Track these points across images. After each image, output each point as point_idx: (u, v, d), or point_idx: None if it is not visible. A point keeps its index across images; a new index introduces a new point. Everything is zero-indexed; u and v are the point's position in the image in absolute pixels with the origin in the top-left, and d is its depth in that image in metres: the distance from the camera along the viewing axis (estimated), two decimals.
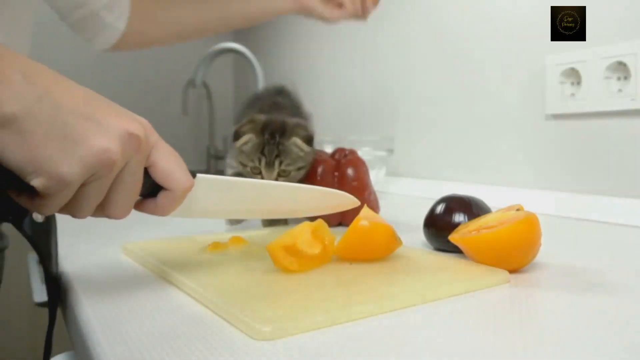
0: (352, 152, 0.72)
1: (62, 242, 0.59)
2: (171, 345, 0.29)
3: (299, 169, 0.66)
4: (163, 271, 0.44)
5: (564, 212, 0.79)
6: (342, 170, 0.69)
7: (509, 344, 0.30)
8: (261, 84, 1.52)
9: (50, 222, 0.42)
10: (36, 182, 0.30)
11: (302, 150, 0.65)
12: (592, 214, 0.75)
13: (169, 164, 0.37)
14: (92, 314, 0.35)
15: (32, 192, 0.32)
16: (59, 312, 0.44)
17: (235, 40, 1.96)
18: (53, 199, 0.32)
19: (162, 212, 0.38)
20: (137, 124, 0.34)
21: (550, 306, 0.37)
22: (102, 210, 0.35)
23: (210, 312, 0.35)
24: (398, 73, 1.20)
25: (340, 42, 1.40)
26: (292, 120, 0.67)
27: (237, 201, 0.44)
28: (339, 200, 0.50)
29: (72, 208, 0.34)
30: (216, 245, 0.52)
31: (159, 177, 0.37)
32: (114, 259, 0.51)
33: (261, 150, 0.64)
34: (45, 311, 0.46)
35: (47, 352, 0.43)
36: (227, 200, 0.44)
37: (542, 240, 0.45)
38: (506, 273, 0.42)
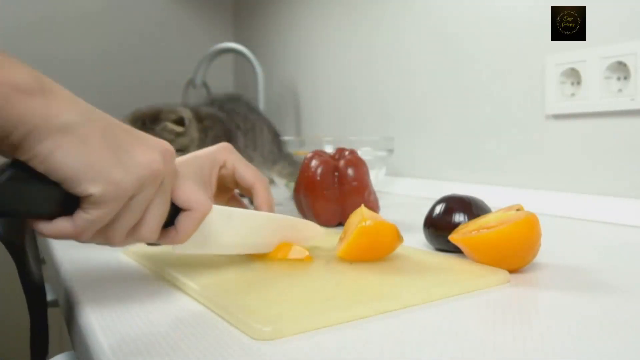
0: (352, 152, 0.72)
1: (63, 242, 0.59)
2: (171, 346, 0.29)
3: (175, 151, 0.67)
4: (163, 271, 0.44)
5: (564, 212, 0.79)
6: (342, 170, 0.69)
7: (509, 344, 0.30)
8: (261, 84, 1.52)
9: (23, 221, 0.41)
10: (95, 189, 0.30)
11: (174, 132, 0.66)
12: (592, 214, 0.75)
13: (191, 186, 0.38)
14: (92, 314, 0.35)
15: (69, 213, 0.32)
16: (59, 313, 0.44)
17: (235, 40, 1.96)
18: (103, 210, 0.31)
19: (182, 236, 0.38)
20: (169, 145, 0.36)
21: (550, 306, 0.37)
22: (135, 231, 0.35)
23: (210, 312, 0.35)
24: (398, 73, 1.20)
25: (340, 42, 1.40)
26: (167, 108, 0.69)
27: (236, 234, 0.45)
28: (311, 231, 0.52)
29: (111, 227, 0.33)
30: None
31: (181, 197, 0.37)
32: (114, 259, 0.51)
33: None
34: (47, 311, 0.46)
35: (38, 355, 0.42)
36: (230, 232, 0.44)
37: (542, 240, 0.45)
38: (506, 273, 0.42)
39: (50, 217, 0.32)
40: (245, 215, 0.45)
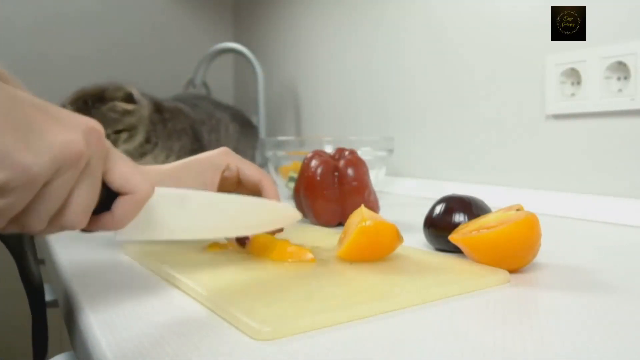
0: (352, 152, 0.72)
1: (62, 242, 0.59)
2: (171, 346, 0.29)
3: (119, 131, 0.65)
4: (163, 271, 0.44)
5: (564, 212, 0.79)
6: (342, 170, 0.69)
7: (509, 344, 0.30)
8: (261, 83, 1.52)
9: None
10: None
11: (123, 110, 0.65)
12: (592, 214, 0.75)
13: (128, 167, 0.35)
14: (92, 314, 0.35)
15: None
16: (59, 313, 0.44)
17: (235, 40, 1.96)
18: (11, 198, 0.28)
19: (119, 222, 0.35)
20: (96, 122, 0.32)
21: (550, 306, 0.37)
22: (58, 218, 0.32)
23: (210, 312, 0.35)
24: (398, 73, 1.20)
25: (340, 42, 1.40)
26: (112, 86, 0.69)
27: (193, 218, 0.42)
28: (285, 212, 0.49)
29: (27, 215, 0.30)
30: (215, 245, 0.52)
31: (117, 181, 0.34)
32: (114, 259, 0.51)
33: None
34: (47, 311, 0.46)
35: (39, 355, 0.42)
36: (182, 217, 0.41)
37: (542, 240, 0.45)
38: (506, 273, 0.42)
39: None
40: (203, 197, 0.43)
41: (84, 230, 0.35)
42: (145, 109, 0.72)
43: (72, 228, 0.33)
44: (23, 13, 1.64)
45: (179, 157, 1.07)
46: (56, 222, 0.32)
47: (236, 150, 0.65)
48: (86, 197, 0.32)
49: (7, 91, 0.28)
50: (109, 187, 0.34)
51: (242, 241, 0.50)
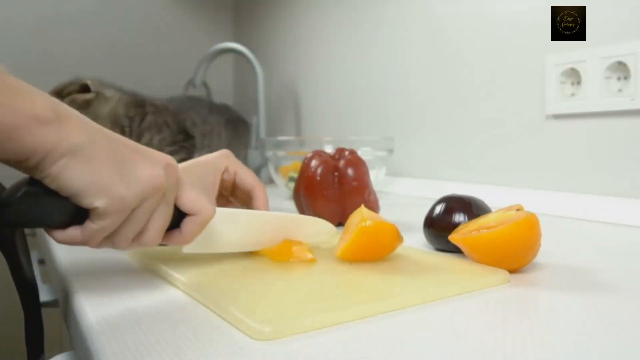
0: (352, 152, 0.72)
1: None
2: (171, 346, 0.29)
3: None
4: (163, 271, 0.44)
5: (564, 212, 0.79)
6: (342, 170, 0.69)
7: (509, 344, 0.30)
8: (261, 83, 1.52)
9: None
10: (99, 202, 0.34)
11: (84, 101, 0.68)
12: (592, 214, 0.75)
13: (194, 193, 0.41)
14: (92, 314, 0.35)
15: (80, 222, 0.35)
16: (58, 313, 0.44)
17: (235, 40, 1.96)
18: (108, 221, 0.35)
19: (186, 238, 0.41)
20: (172, 159, 0.39)
21: (550, 306, 0.37)
22: (140, 237, 0.38)
23: (210, 312, 0.35)
24: (398, 73, 1.20)
25: (340, 42, 1.40)
26: (69, 82, 0.73)
27: (242, 233, 0.48)
28: (322, 227, 0.54)
29: (117, 234, 0.37)
30: None
31: (186, 203, 0.40)
32: (114, 260, 0.51)
33: None
34: (46, 311, 0.46)
35: (33, 355, 0.42)
36: (237, 231, 0.47)
37: (542, 240, 0.45)
38: (506, 273, 0.42)
39: (64, 226, 0.36)
40: (250, 215, 0.48)
41: (159, 244, 0.41)
42: (113, 100, 0.75)
43: (149, 245, 0.39)
44: (23, 13, 1.64)
45: (159, 150, 1.08)
46: (138, 239, 0.38)
47: None
48: (163, 219, 0.39)
49: (109, 134, 0.36)
50: (179, 209, 0.41)
51: None
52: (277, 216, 0.50)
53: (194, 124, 1.09)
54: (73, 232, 0.36)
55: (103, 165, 0.34)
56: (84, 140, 0.33)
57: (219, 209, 0.45)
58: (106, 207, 0.34)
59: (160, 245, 0.41)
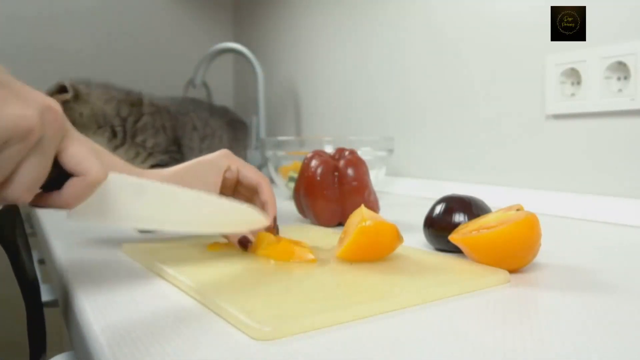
0: (352, 152, 0.72)
1: (62, 242, 0.59)
2: (171, 345, 0.29)
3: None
4: (163, 271, 0.44)
5: (564, 212, 0.79)
6: (342, 170, 0.69)
7: (509, 344, 0.30)
8: (261, 83, 1.52)
9: (13, 213, 0.41)
10: None
11: (62, 102, 0.71)
12: (592, 214, 0.75)
13: (82, 150, 0.35)
14: (92, 314, 0.35)
15: None
16: (59, 313, 0.44)
17: (235, 40, 1.96)
18: None
19: (67, 200, 0.36)
20: (55, 102, 0.33)
21: (550, 306, 0.37)
22: (2, 189, 0.32)
23: (210, 312, 0.35)
24: (398, 73, 1.20)
25: (340, 42, 1.40)
26: (50, 87, 0.76)
27: (150, 208, 0.41)
28: (250, 216, 0.46)
29: None
30: (216, 246, 0.52)
31: (70, 161, 0.35)
32: (114, 259, 0.51)
33: None
34: (46, 311, 0.46)
35: (35, 354, 0.42)
36: (147, 206, 0.40)
37: (542, 240, 0.45)
38: (506, 273, 0.42)
39: None
40: (162, 189, 0.41)
41: (33, 204, 0.35)
42: (97, 101, 0.77)
43: (14, 201, 0.33)
44: (23, 13, 1.64)
45: (150, 155, 1.07)
46: (1, 191, 0.32)
47: None
48: (33, 173, 0.32)
49: None
50: (64, 167, 0.35)
51: (244, 245, 0.50)
52: (198, 196, 0.43)
53: (195, 127, 1.09)
54: None
55: None
56: None
57: (122, 177, 0.38)
58: None
59: (36, 206, 0.36)
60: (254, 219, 0.46)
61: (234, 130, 1.19)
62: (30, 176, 0.32)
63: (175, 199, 0.42)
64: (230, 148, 1.17)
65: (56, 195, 0.36)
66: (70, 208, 0.36)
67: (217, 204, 0.44)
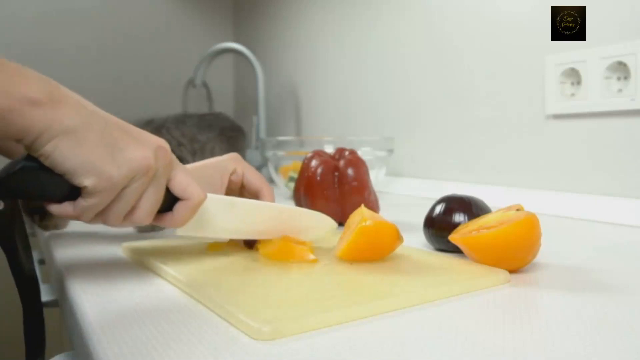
0: (352, 152, 0.72)
1: (62, 242, 0.59)
2: (171, 346, 0.29)
3: None
4: (163, 271, 0.44)
5: (564, 212, 0.79)
6: (342, 170, 0.69)
7: (509, 344, 0.30)
8: (261, 84, 1.52)
9: (12, 212, 0.41)
10: (88, 182, 0.36)
11: None
12: (592, 214, 0.75)
13: (186, 178, 0.43)
14: (92, 314, 0.35)
15: (75, 198, 0.38)
16: (58, 313, 0.44)
17: (235, 40, 1.96)
18: (97, 199, 0.37)
19: (177, 221, 0.43)
20: (164, 142, 0.41)
21: (550, 306, 0.37)
22: (130, 215, 0.40)
23: (210, 312, 0.35)
24: (398, 73, 1.20)
25: (340, 43, 1.40)
26: None
27: (237, 220, 0.49)
28: (322, 222, 0.54)
29: (108, 212, 0.39)
30: (215, 246, 0.52)
31: (178, 187, 0.42)
32: (114, 259, 0.51)
33: None
34: (46, 311, 0.46)
35: (33, 354, 0.43)
36: (233, 219, 0.49)
37: (542, 240, 0.45)
38: (506, 273, 0.42)
39: (59, 200, 0.38)
40: (249, 204, 0.50)
41: (153, 225, 0.43)
42: None
43: (140, 223, 0.41)
44: (23, 13, 1.64)
45: None
46: (129, 218, 0.41)
47: None
48: (152, 200, 0.41)
49: (102, 117, 0.38)
50: (173, 192, 0.42)
51: (250, 243, 0.53)
52: (276, 207, 0.51)
53: (180, 144, 1.08)
54: (67, 207, 0.39)
55: (94, 146, 0.36)
56: (76, 123, 0.35)
57: (217, 196, 0.47)
58: (95, 185, 0.36)
59: (154, 226, 0.44)
60: (326, 223, 0.54)
61: (227, 139, 1.18)
62: (149, 203, 0.41)
63: (259, 211, 0.50)
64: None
65: (169, 217, 0.43)
66: (180, 226, 0.44)
67: (293, 212, 0.52)
